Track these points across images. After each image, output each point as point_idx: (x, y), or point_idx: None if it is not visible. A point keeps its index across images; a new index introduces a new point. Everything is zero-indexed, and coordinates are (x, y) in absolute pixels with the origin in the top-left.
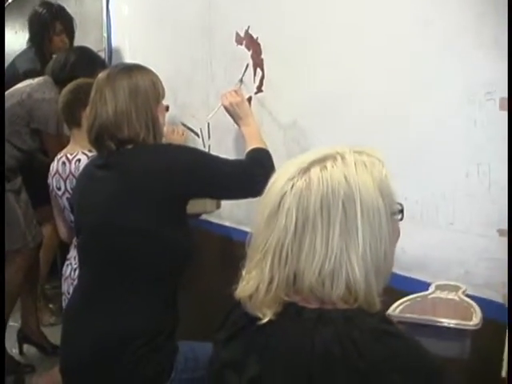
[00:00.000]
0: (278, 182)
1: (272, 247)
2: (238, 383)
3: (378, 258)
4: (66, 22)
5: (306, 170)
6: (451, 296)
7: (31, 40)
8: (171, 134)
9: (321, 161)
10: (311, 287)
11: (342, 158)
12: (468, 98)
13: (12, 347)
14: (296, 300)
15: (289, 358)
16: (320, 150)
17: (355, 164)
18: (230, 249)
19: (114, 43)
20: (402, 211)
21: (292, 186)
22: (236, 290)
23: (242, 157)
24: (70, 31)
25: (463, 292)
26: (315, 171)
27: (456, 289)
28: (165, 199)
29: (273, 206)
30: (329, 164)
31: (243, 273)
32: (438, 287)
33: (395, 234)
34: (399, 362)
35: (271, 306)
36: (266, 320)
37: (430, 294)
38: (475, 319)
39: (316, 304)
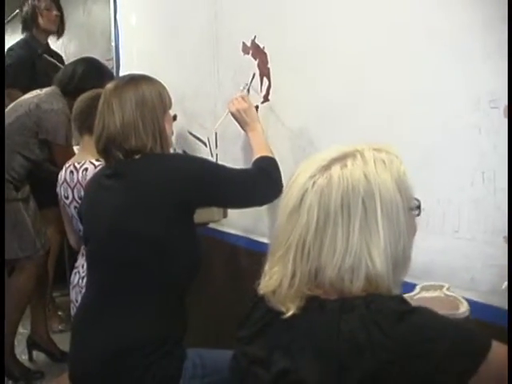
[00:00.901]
0: (299, 179)
1: (294, 243)
2: (267, 378)
3: (397, 251)
4: None
5: (326, 167)
6: (436, 294)
7: (23, 27)
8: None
9: (341, 159)
10: (332, 281)
11: (362, 155)
12: (472, 105)
13: (21, 354)
14: (318, 294)
15: (316, 348)
16: (339, 147)
17: (374, 161)
18: (238, 257)
19: (122, 53)
20: (419, 207)
21: (313, 184)
22: (259, 286)
23: (249, 166)
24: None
25: (447, 289)
26: (336, 169)
27: (440, 287)
28: (172, 208)
29: (294, 202)
30: (349, 162)
31: (266, 268)
32: (422, 288)
33: (413, 229)
34: (425, 333)
35: (294, 300)
36: (290, 314)
37: (415, 294)
38: (462, 308)
39: (337, 296)
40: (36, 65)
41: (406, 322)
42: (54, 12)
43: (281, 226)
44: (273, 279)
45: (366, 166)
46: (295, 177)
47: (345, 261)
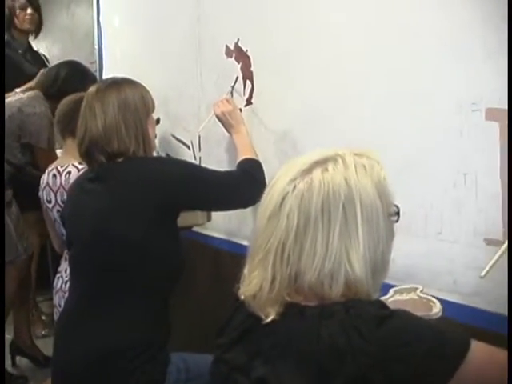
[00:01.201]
0: (279, 183)
1: (274, 247)
2: None
3: (376, 256)
4: None
5: (307, 171)
6: (409, 296)
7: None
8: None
9: (322, 163)
10: (311, 286)
11: (343, 160)
12: (454, 108)
13: (5, 359)
14: (298, 300)
15: (297, 354)
16: (321, 151)
17: (355, 166)
18: (222, 260)
19: (105, 55)
20: (398, 213)
21: (294, 188)
22: (239, 290)
23: (233, 168)
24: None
25: (421, 291)
26: (317, 173)
27: (414, 289)
28: (155, 211)
29: (274, 206)
30: (330, 166)
31: (245, 271)
32: (396, 291)
33: (391, 234)
34: (403, 337)
35: (274, 305)
36: (269, 319)
37: (389, 297)
38: (435, 309)
39: (316, 302)
40: (22, 64)
41: (385, 326)
42: (29, 11)
43: (260, 230)
44: (252, 283)
45: (347, 170)
46: (275, 180)
47: (324, 265)
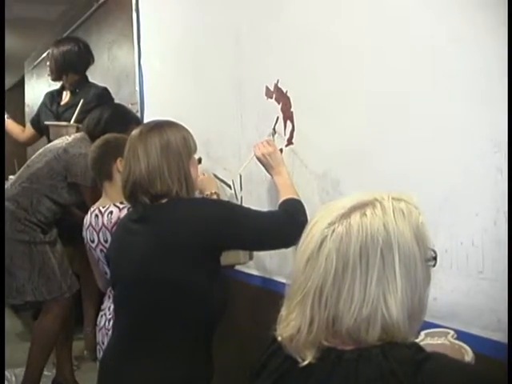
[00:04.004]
0: (318, 225)
1: (312, 290)
2: None
3: (413, 302)
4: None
5: (346, 215)
6: (441, 341)
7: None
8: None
9: (360, 207)
10: (348, 330)
11: (381, 205)
12: (494, 147)
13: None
14: (334, 344)
15: None
16: (359, 195)
17: (393, 211)
18: (263, 299)
19: (146, 97)
20: (435, 258)
21: (333, 231)
22: (276, 332)
23: (275, 208)
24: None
25: (452, 336)
26: (355, 218)
27: (445, 334)
28: (199, 252)
29: (313, 248)
30: (368, 211)
31: (282, 313)
32: (427, 334)
33: (428, 279)
34: (441, 380)
35: (311, 348)
36: (306, 363)
37: (420, 341)
38: (467, 358)
39: (353, 346)
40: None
41: (422, 370)
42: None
43: (298, 272)
44: (290, 326)
45: (386, 215)
46: (314, 222)
47: (362, 311)
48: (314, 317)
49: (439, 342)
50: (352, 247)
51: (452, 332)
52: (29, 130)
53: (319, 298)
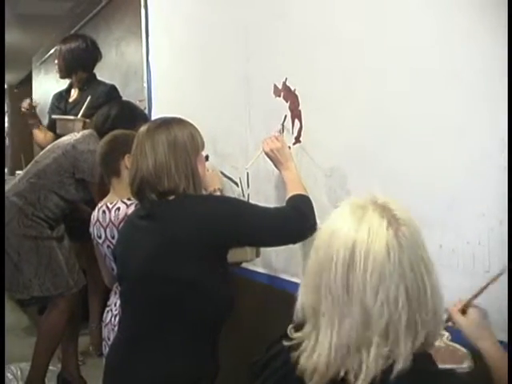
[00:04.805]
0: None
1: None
2: None
3: None
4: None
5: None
6: (436, 343)
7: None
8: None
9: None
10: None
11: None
12: (499, 146)
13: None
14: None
15: None
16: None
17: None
18: (269, 296)
19: (154, 93)
20: None
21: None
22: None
23: (282, 205)
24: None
25: (447, 338)
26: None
27: (440, 336)
28: (206, 249)
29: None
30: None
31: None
32: None
33: None
34: None
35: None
36: None
37: None
38: (468, 362)
39: None
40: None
41: None
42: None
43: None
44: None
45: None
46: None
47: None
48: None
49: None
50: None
51: (447, 334)
52: (48, 135)
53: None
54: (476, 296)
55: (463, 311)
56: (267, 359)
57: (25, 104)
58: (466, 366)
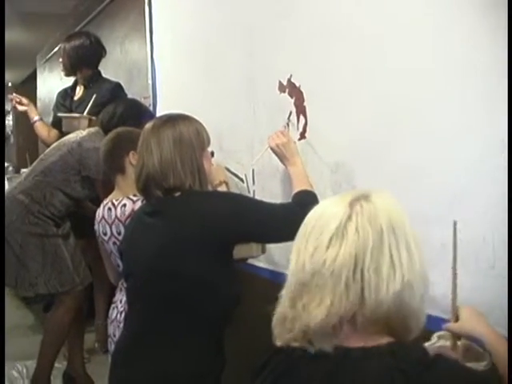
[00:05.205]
0: (330, 210)
1: (345, 266)
2: None
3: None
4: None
5: (365, 196)
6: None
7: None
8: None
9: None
10: (376, 311)
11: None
12: (504, 144)
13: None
14: (340, 342)
15: None
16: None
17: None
18: (273, 292)
19: (158, 90)
20: None
21: (361, 207)
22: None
23: (287, 201)
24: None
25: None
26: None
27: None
28: (212, 245)
29: (337, 226)
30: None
31: (286, 309)
32: (440, 337)
33: None
34: (453, 381)
35: (329, 338)
36: (309, 359)
37: (433, 343)
38: (486, 360)
39: (360, 343)
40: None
41: (431, 371)
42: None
43: (315, 257)
44: (313, 314)
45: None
46: (320, 211)
47: (404, 278)
48: (348, 292)
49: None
50: (382, 218)
51: None
52: (53, 132)
53: (353, 272)
54: (455, 296)
55: (456, 319)
56: (264, 361)
57: (13, 102)
58: (484, 363)
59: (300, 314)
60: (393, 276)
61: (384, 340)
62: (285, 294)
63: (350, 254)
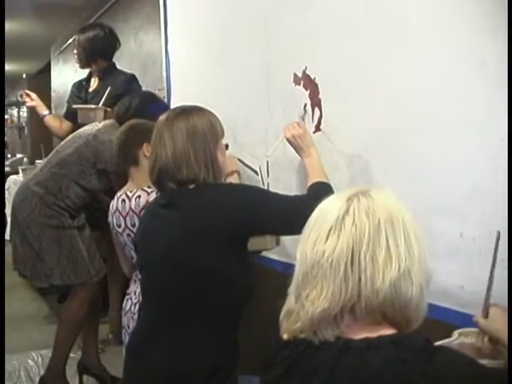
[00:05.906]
0: (332, 203)
1: (343, 256)
2: None
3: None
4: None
5: (363, 192)
6: (475, 340)
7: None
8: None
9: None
10: (372, 302)
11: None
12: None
13: (72, 378)
14: (340, 332)
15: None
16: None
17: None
18: (285, 284)
19: (173, 82)
20: None
21: (358, 200)
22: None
23: (302, 193)
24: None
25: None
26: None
27: (478, 333)
28: (226, 237)
29: (336, 217)
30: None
31: (291, 302)
32: (461, 334)
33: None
34: (454, 372)
35: (331, 326)
36: (313, 351)
37: (454, 340)
38: (503, 359)
39: (363, 334)
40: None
41: (433, 360)
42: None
43: (315, 247)
44: (316, 304)
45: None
46: (322, 206)
47: (400, 266)
48: (347, 282)
49: (473, 340)
50: (380, 211)
51: None
52: (65, 124)
53: (351, 262)
54: (489, 292)
55: (486, 314)
56: (273, 354)
57: (23, 97)
58: (498, 362)
59: (303, 304)
60: (389, 265)
61: (386, 331)
62: (291, 288)
63: (347, 244)
